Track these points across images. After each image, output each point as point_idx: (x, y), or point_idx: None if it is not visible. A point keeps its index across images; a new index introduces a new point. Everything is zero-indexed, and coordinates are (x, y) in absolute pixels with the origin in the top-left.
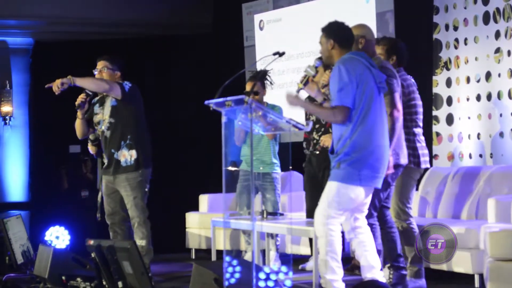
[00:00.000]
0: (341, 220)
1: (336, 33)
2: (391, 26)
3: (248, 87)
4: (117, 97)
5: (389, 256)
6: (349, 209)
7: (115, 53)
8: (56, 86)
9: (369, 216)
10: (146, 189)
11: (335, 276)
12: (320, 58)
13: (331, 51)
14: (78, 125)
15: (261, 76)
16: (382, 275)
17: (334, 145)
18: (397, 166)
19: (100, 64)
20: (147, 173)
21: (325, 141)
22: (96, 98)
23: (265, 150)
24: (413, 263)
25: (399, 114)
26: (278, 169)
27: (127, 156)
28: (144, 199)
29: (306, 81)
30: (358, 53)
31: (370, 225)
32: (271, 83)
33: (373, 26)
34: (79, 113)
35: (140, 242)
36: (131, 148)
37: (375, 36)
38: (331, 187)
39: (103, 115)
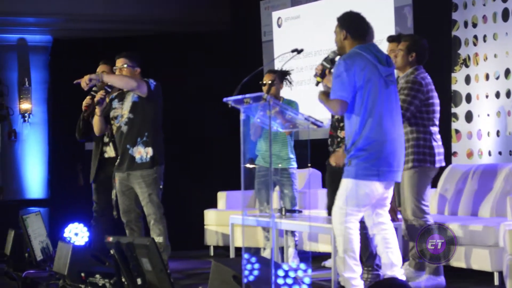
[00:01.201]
0: (359, 217)
1: (349, 24)
2: (409, 20)
3: (266, 79)
4: (143, 95)
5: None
6: (366, 205)
7: (133, 50)
8: (85, 82)
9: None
10: (161, 186)
11: (353, 274)
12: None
13: (343, 42)
14: (96, 122)
15: (281, 74)
16: (402, 273)
17: (346, 142)
18: None
19: (120, 62)
20: (161, 170)
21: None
22: (115, 94)
23: (281, 146)
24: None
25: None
26: (294, 164)
27: (142, 153)
28: (159, 196)
29: (323, 74)
30: (366, 47)
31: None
32: (290, 83)
33: (391, 20)
34: (97, 110)
35: (158, 239)
36: (147, 146)
37: (393, 31)
38: (345, 185)
39: (122, 110)
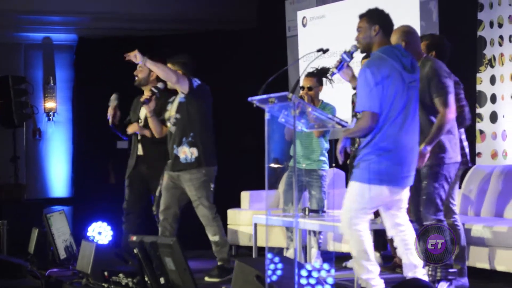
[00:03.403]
0: (367, 219)
1: (381, 18)
2: (434, 15)
3: (305, 83)
4: (184, 91)
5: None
6: (373, 208)
7: (157, 49)
8: (134, 55)
9: (436, 211)
10: (211, 188)
11: (371, 274)
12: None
13: (373, 38)
14: (150, 123)
15: (321, 73)
16: (424, 273)
17: (358, 145)
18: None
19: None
20: (211, 172)
21: None
22: (172, 98)
23: (313, 148)
24: (456, 261)
25: (453, 115)
26: (326, 167)
27: (187, 153)
28: (209, 198)
29: (341, 66)
30: (391, 50)
31: (440, 221)
32: (331, 81)
33: (416, 14)
34: (147, 111)
35: (213, 238)
36: (192, 146)
37: (418, 26)
38: (351, 187)
39: (171, 111)
